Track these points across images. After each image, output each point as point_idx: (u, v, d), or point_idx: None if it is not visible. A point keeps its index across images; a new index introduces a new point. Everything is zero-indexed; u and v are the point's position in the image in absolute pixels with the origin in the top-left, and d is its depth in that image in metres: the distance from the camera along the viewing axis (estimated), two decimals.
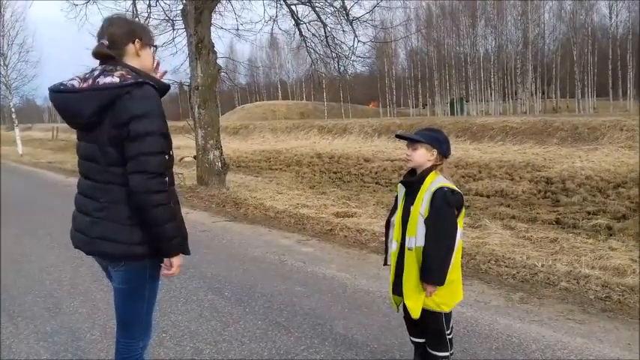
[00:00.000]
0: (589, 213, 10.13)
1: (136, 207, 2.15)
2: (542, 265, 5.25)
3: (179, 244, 2.25)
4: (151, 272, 2.31)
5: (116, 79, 2.12)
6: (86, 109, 2.14)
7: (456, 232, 2.69)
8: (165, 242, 2.20)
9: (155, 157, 2.12)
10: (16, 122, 30.98)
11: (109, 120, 2.13)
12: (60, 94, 2.18)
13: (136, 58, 2.28)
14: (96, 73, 2.18)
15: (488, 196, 12.96)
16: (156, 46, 2.37)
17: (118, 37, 2.25)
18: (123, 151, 2.13)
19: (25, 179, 15.71)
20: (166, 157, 2.19)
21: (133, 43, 2.26)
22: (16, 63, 30.01)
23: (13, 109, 31.26)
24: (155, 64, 2.42)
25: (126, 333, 2.41)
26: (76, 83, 2.16)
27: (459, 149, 20.30)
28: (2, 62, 28.86)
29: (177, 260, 2.27)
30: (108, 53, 2.23)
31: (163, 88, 2.31)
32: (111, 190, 2.19)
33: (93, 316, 4.19)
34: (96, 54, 2.26)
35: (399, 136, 3.05)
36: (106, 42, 2.24)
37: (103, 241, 2.23)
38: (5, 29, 28.87)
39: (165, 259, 2.27)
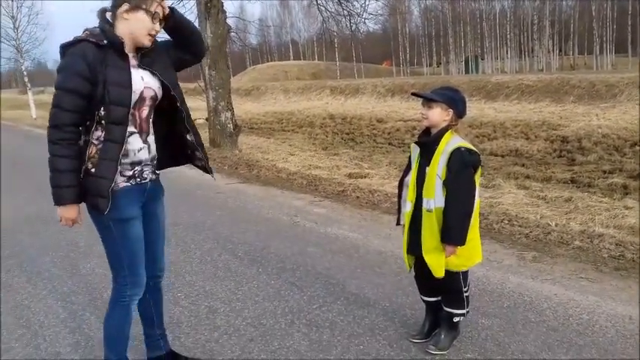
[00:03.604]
0: (605, 172, 10.03)
1: None
2: (556, 225, 5.21)
3: (54, 194, 2.29)
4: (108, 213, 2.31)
5: (72, 39, 2.28)
6: None
7: (475, 192, 2.68)
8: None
9: (54, 110, 2.25)
10: (29, 86, 31.10)
11: None
12: None
13: (124, 21, 2.31)
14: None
15: (502, 156, 12.87)
16: (151, 11, 2.30)
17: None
18: None
19: (39, 142, 15.83)
20: (59, 110, 2.22)
21: (121, 6, 2.30)
22: (26, 26, 29.93)
23: (25, 73, 31.35)
24: (165, 14, 2.36)
25: (114, 278, 2.54)
26: None
27: (474, 108, 20.03)
28: (13, 25, 28.74)
29: (59, 210, 2.33)
30: (102, 15, 2.35)
31: (116, 44, 2.29)
32: None
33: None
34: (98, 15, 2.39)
35: (415, 94, 3.03)
36: (109, 5, 2.37)
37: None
38: None
39: None
